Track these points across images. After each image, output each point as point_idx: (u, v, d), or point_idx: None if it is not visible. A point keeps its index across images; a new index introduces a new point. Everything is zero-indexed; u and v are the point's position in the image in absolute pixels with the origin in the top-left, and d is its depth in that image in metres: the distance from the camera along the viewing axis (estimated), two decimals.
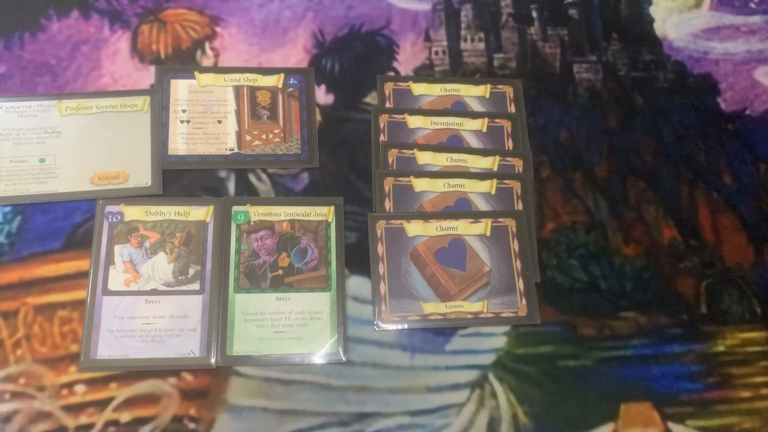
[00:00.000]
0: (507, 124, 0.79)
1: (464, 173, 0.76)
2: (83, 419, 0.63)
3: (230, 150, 0.76)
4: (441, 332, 0.69)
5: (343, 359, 0.67)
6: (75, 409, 0.64)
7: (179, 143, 0.76)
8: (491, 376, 0.68)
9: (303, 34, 0.84)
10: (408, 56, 0.84)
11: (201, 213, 0.72)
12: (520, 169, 0.77)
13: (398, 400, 0.66)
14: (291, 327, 0.68)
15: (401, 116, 0.79)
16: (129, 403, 0.64)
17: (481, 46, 0.86)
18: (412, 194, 0.75)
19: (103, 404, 0.64)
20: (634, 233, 0.76)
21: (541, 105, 0.83)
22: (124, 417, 0.64)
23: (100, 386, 0.65)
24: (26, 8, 0.83)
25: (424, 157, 0.76)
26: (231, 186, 0.75)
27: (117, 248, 0.70)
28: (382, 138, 0.78)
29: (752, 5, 0.92)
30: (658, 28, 0.89)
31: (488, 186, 0.75)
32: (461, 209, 0.74)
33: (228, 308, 0.68)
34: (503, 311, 0.70)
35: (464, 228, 0.73)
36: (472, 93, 0.81)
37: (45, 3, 0.84)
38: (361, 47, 0.84)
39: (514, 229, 0.73)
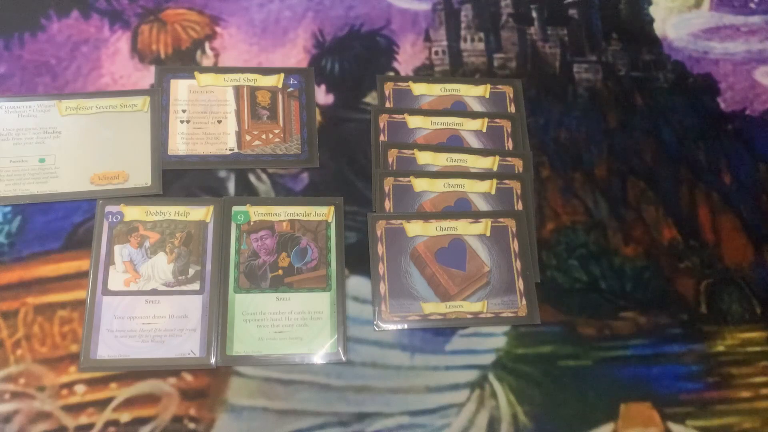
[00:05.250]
0: (507, 124, 0.79)
1: (464, 173, 0.76)
2: (83, 419, 0.63)
3: (230, 150, 0.76)
4: (441, 332, 0.69)
5: (343, 359, 0.67)
6: (75, 409, 0.64)
7: (179, 143, 0.76)
8: (491, 376, 0.68)
9: (303, 34, 0.84)
10: (408, 56, 0.84)
11: (201, 213, 0.72)
12: (520, 169, 0.77)
13: (398, 400, 0.66)
14: (291, 327, 0.68)
15: (401, 116, 0.79)
16: (129, 403, 0.64)
17: (481, 46, 0.86)
18: (412, 194, 0.75)
19: (103, 404, 0.64)
20: (634, 233, 0.76)
21: (541, 105, 0.83)
22: (124, 417, 0.64)
23: (100, 386, 0.65)
24: (26, 8, 0.83)
25: (424, 157, 0.76)
26: (231, 186, 0.75)
27: (117, 248, 0.70)
28: (382, 138, 0.78)
29: (752, 5, 0.92)
30: (658, 28, 0.89)
31: (488, 186, 0.75)
32: (461, 209, 0.74)
33: (228, 308, 0.68)
34: (503, 311, 0.70)
35: (464, 228, 0.73)
36: (472, 93, 0.81)
37: (45, 3, 0.84)
38: (361, 47, 0.84)
39: (514, 229, 0.73)
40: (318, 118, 0.79)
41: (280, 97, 0.79)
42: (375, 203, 0.74)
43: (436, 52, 0.85)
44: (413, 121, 0.79)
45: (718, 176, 0.80)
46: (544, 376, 0.68)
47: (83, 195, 0.72)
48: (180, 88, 0.78)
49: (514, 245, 0.73)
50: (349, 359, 0.67)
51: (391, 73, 0.83)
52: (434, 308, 0.69)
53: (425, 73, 0.83)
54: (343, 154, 0.78)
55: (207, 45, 0.83)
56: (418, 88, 0.81)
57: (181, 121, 0.77)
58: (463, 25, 0.87)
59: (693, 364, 0.69)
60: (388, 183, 0.75)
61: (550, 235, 0.75)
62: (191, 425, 0.64)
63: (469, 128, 0.79)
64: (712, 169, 0.80)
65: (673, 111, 0.84)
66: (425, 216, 0.73)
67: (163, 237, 0.71)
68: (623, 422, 0.66)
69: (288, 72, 0.81)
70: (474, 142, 0.78)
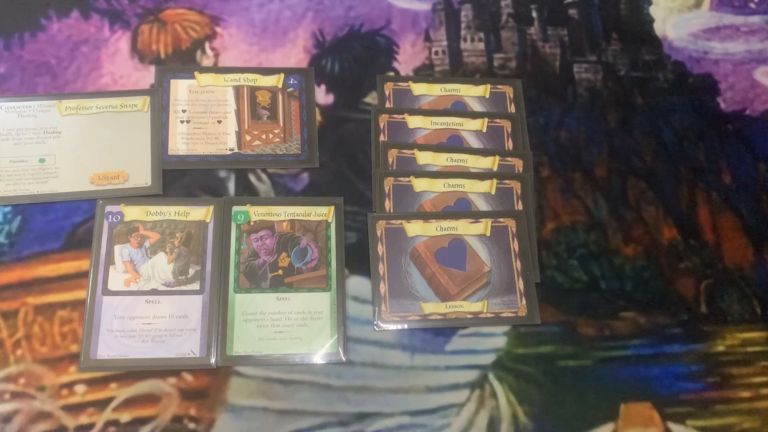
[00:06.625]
0: (507, 124, 0.79)
1: (464, 173, 0.76)
2: (83, 419, 0.63)
3: (230, 150, 0.76)
4: (441, 332, 0.69)
5: (343, 359, 0.67)
6: (75, 409, 0.64)
7: (179, 143, 0.76)
8: (491, 376, 0.68)
9: (303, 34, 0.84)
10: (408, 56, 0.84)
11: (201, 213, 0.72)
12: (520, 169, 0.77)
13: (398, 400, 0.66)
14: (291, 327, 0.68)
15: (401, 116, 0.79)
16: (129, 403, 0.64)
17: (481, 46, 0.86)
18: (412, 194, 0.75)
19: (103, 404, 0.64)
20: (634, 233, 0.76)
21: (541, 105, 0.83)
22: (124, 417, 0.64)
23: (100, 386, 0.65)
24: (26, 8, 0.83)
25: (424, 157, 0.76)
26: (231, 186, 0.75)
27: (117, 248, 0.70)
28: (382, 138, 0.78)
29: (752, 5, 0.92)
30: (658, 28, 0.89)
31: (488, 186, 0.75)
32: (461, 209, 0.74)
33: (228, 308, 0.68)
34: (503, 311, 0.70)
35: (464, 228, 0.73)
36: (472, 93, 0.81)
37: (45, 3, 0.84)
38: (361, 47, 0.84)
39: (514, 229, 0.73)
40: (318, 118, 0.79)
41: (280, 97, 0.79)
42: (375, 203, 0.74)
43: (436, 52, 0.85)
44: (413, 121, 0.79)
45: (718, 176, 0.80)
46: (544, 376, 0.68)
47: (83, 195, 0.72)
48: (180, 88, 0.78)
49: (514, 245, 0.73)
50: (349, 359, 0.67)
51: (391, 73, 0.83)
52: (434, 308, 0.69)
53: (425, 73, 0.83)
54: (343, 154, 0.78)
55: (207, 45, 0.83)
56: (418, 88, 0.81)
57: (181, 121, 0.77)
58: (463, 25, 0.87)
59: (693, 364, 0.69)
60: (388, 183, 0.75)
61: (550, 235, 0.75)
62: (191, 425, 0.64)
63: (469, 128, 0.79)
64: (712, 169, 0.80)
65: (673, 111, 0.84)
66: (425, 216, 0.73)
67: (163, 237, 0.71)
68: (623, 422, 0.66)
69: (288, 72, 0.81)
70: (474, 142, 0.78)
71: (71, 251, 0.70)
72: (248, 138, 0.77)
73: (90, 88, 0.78)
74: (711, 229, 0.77)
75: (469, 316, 0.69)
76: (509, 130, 0.79)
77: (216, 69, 0.80)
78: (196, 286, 0.69)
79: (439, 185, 0.75)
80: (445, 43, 0.86)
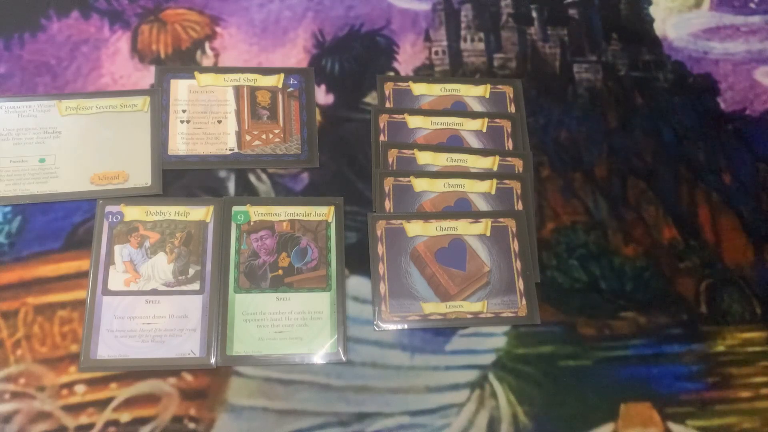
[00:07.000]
0: (507, 124, 0.79)
1: (464, 173, 0.76)
2: (83, 419, 0.63)
3: (230, 150, 0.76)
4: (441, 332, 0.69)
5: (343, 359, 0.67)
6: (75, 409, 0.64)
7: (179, 143, 0.76)
8: (491, 376, 0.68)
9: (303, 34, 0.84)
10: (408, 56, 0.84)
11: (201, 213, 0.72)
12: (520, 169, 0.77)
13: (398, 400, 0.66)
14: (291, 327, 0.68)
15: (401, 116, 0.79)
16: (129, 403, 0.64)
17: (481, 46, 0.86)
18: (412, 194, 0.75)
19: (103, 404, 0.64)
20: (634, 233, 0.76)
21: (541, 105, 0.83)
22: (124, 417, 0.64)
23: (100, 386, 0.65)
24: (26, 8, 0.83)
25: (424, 157, 0.76)
26: (231, 186, 0.75)
27: (117, 248, 0.70)
28: (382, 138, 0.78)
29: (752, 5, 0.92)
30: (658, 28, 0.89)
31: (488, 186, 0.75)
32: (461, 209, 0.74)
33: (228, 308, 0.68)
34: (503, 311, 0.70)
35: (464, 228, 0.73)
36: (472, 93, 0.81)
37: (45, 3, 0.84)
38: (361, 47, 0.84)
39: (514, 229, 0.73)
40: (318, 118, 0.79)
41: (280, 97, 0.79)
42: (375, 203, 0.74)
43: (436, 52, 0.85)
44: (413, 121, 0.79)
45: (718, 176, 0.80)
46: (544, 376, 0.68)
47: (83, 195, 0.72)
48: (180, 88, 0.78)
49: (514, 245, 0.73)
50: (349, 359, 0.67)
51: (391, 73, 0.83)
52: (434, 308, 0.69)
53: (425, 73, 0.83)
54: (343, 154, 0.78)
55: (207, 45, 0.83)
56: (418, 88, 0.81)
57: (181, 121, 0.77)
58: (463, 25, 0.87)
59: (693, 364, 0.69)
60: (388, 183, 0.75)
61: (550, 235, 0.75)
62: (191, 425, 0.64)
63: (469, 128, 0.79)
64: (712, 169, 0.80)
65: (673, 111, 0.84)
66: (425, 216, 0.73)
67: (163, 237, 0.71)
68: (623, 422, 0.66)
69: (288, 72, 0.81)
70: (474, 142, 0.78)
71: (71, 251, 0.70)
72: (248, 138, 0.77)
73: (90, 88, 0.78)
74: (711, 229, 0.77)
75: (469, 316, 0.69)
76: (509, 130, 0.79)
77: (216, 69, 0.80)
78: (196, 286, 0.69)
79: (439, 185, 0.75)
80: (445, 43, 0.86)
